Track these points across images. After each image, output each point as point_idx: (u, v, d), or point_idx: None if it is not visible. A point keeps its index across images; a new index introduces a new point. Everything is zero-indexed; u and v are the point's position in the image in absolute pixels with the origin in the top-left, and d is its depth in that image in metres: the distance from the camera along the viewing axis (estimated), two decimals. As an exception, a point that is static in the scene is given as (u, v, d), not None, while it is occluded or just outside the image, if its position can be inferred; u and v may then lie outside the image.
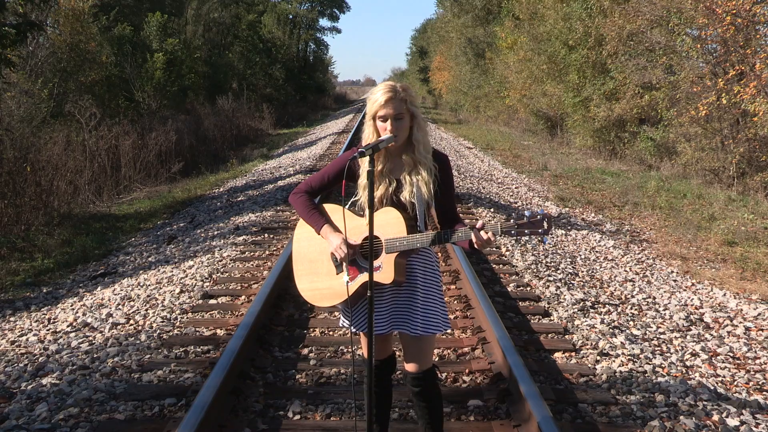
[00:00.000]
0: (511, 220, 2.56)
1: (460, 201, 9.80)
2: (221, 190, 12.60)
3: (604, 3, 15.82)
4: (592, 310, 5.32)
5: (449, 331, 4.76)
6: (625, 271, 6.73)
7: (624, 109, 15.64)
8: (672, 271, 6.82)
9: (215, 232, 8.38)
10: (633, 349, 4.45)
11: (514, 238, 7.36)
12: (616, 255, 7.33)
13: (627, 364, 4.19)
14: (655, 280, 6.44)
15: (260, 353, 4.40)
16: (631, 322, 5.13)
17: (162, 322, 5.06)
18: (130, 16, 26.41)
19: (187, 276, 6.34)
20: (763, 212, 9.60)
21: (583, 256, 7.20)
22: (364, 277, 2.65)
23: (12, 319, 5.71)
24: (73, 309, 5.70)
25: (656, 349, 4.58)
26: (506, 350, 3.97)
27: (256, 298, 5.07)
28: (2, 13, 9.70)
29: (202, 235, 8.34)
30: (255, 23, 40.91)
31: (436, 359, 4.32)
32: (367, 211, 2.57)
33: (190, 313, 5.26)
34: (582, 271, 6.59)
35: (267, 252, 7.12)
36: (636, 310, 5.50)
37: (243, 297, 5.61)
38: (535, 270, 6.40)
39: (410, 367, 2.78)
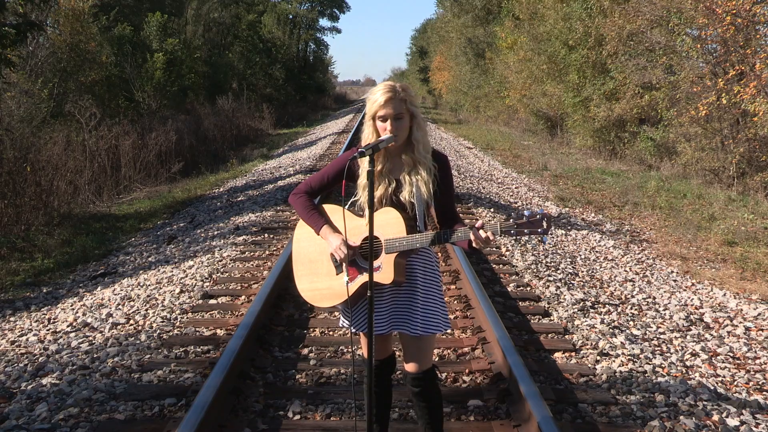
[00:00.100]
0: (511, 220, 2.56)
1: (460, 201, 9.80)
2: (221, 190, 12.59)
3: (604, 3, 15.81)
4: (592, 310, 5.32)
5: (449, 331, 4.75)
6: (625, 271, 6.73)
7: (624, 109, 15.64)
8: (672, 271, 6.82)
9: (215, 232, 8.38)
10: (633, 349, 4.45)
11: (514, 237, 7.37)
12: (616, 255, 7.33)
13: (627, 364, 4.19)
14: (655, 280, 6.44)
15: (260, 353, 4.40)
16: (631, 322, 5.13)
17: (162, 322, 5.06)
18: (130, 16, 26.42)
19: (187, 276, 6.34)
20: (763, 212, 9.60)
21: (583, 256, 7.20)
22: (363, 277, 2.65)
23: (12, 319, 5.71)
24: (73, 309, 5.70)
25: (656, 349, 4.58)
26: (506, 350, 3.97)
27: (256, 298, 5.07)
28: (2, 13, 9.70)
29: (202, 235, 8.34)
30: (255, 23, 40.95)
31: (436, 359, 4.32)
32: (366, 212, 2.57)
33: (190, 313, 5.26)
34: (582, 271, 6.59)
35: (267, 252, 7.12)
36: (636, 310, 5.50)
37: (243, 297, 5.61)
38: (535, 270, 6.39)
39: (410, 367, 2.78)
